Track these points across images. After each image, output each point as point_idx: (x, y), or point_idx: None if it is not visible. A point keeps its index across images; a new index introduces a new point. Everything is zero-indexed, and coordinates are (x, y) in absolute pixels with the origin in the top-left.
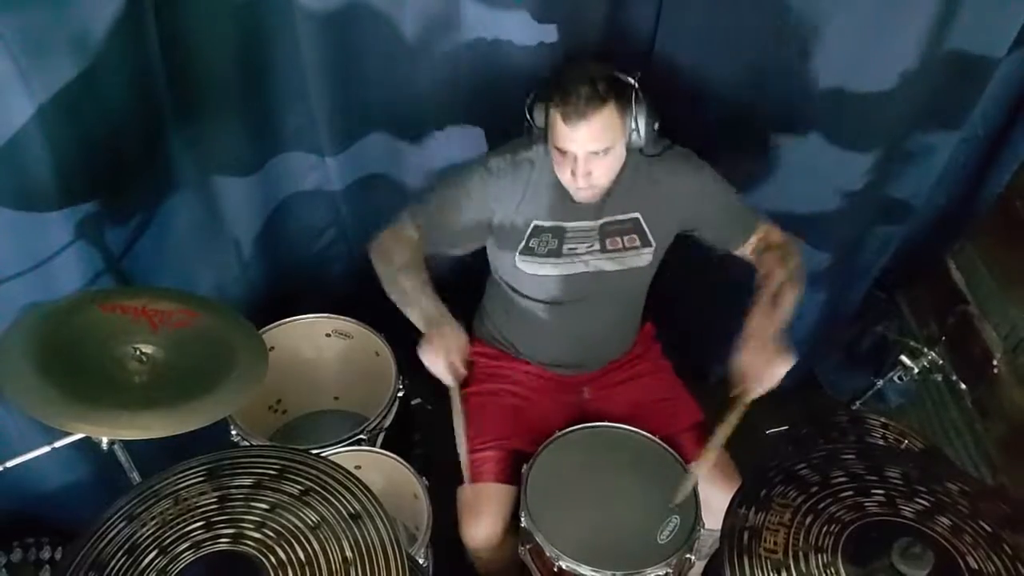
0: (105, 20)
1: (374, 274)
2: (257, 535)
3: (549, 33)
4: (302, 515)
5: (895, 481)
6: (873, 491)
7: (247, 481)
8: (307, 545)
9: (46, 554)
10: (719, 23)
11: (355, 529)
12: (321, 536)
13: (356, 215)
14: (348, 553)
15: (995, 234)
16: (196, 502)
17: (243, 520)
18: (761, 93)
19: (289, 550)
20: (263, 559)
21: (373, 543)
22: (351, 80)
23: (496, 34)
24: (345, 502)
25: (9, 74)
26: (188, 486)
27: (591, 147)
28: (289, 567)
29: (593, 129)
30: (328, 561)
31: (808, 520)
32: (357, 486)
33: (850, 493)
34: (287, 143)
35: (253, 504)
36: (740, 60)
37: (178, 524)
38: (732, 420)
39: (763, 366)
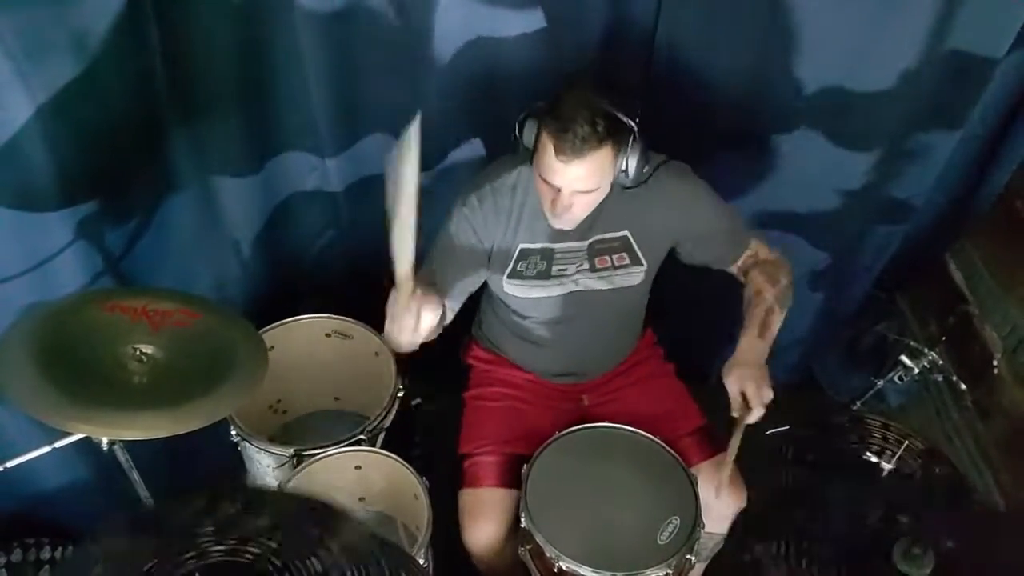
0: (105, 20)
1: (374, 274)
2: (217, 547)
3: (549, 32)
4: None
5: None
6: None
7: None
8: (273, 537)
9: (46, 554)
10: (719, 21)
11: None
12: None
13: (356, 216)
14: (315, 531)
15: (995, 234)
16: (135, 549)
17: (197, 543)
18: (761, 92)
19: (254, 545)
20: (234, 559)
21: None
22: (351, 80)
23: (496, 33)
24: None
25: (9, 74)
26: (116, 544)
27: (578, 186)
28: (268, 554)
29: (585, 169)
30: (299, 540)
31: (804, 563)
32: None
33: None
34: (287, 143)
35: (197, 530)
36: (740, 59)
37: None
38: (736, 442)
39: (757, 387)
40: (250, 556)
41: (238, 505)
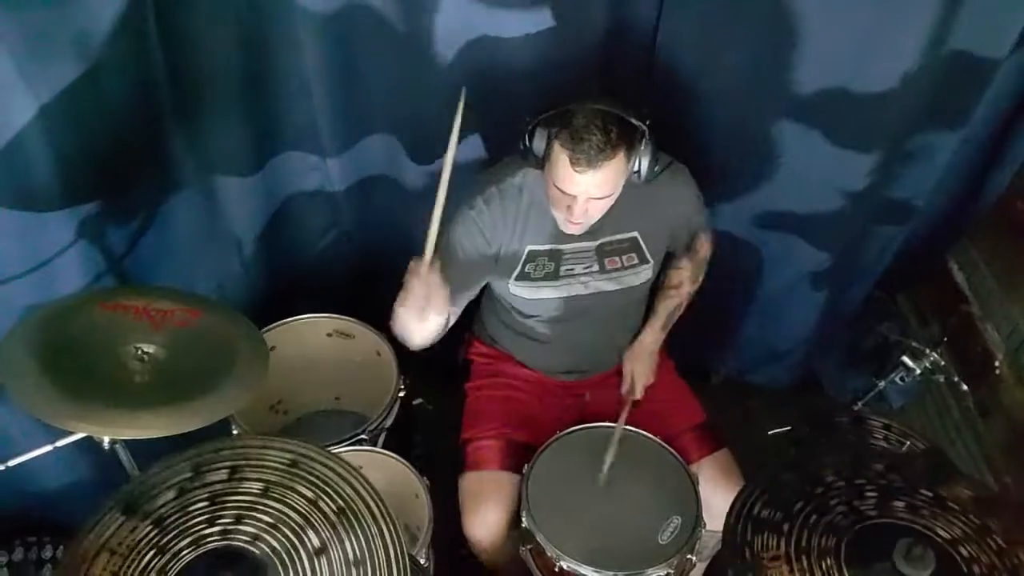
0: (107, 20)
1: (375, 274)
2: (211, 529)
3: (553, 32)
4: (238, 488)
5: (838, 485)
6: (831, 502)
7: (171, 495)
8: (264, 507)
9: (47, 553)
10: (721, 22)
11: (295, 470)
12: (271, 494)
13: (357, 216)
14: (307, 493)
15: (996, 234)
16: (133, 540)
17: (191, 526)
18: (762, 92)
19: (248, 522)
20: (230, 542)
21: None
22: (352, 80)
23: (498, 33)
24: (274, 457)
25: (11, 75)
26: (113, 534)
27: (594, 193)
28: (263, 533)
29: (601, 177)
30: (291, 507)
31: (804, 561)
32: (269, 445)
33: (815, 518)
34: (288, 143)
35: (189, 508)
36: (741, 59)
37: (128, 570)
38: (624, 415)
39: (647, 372)
40: (245, 537)
41: (224, 473)
